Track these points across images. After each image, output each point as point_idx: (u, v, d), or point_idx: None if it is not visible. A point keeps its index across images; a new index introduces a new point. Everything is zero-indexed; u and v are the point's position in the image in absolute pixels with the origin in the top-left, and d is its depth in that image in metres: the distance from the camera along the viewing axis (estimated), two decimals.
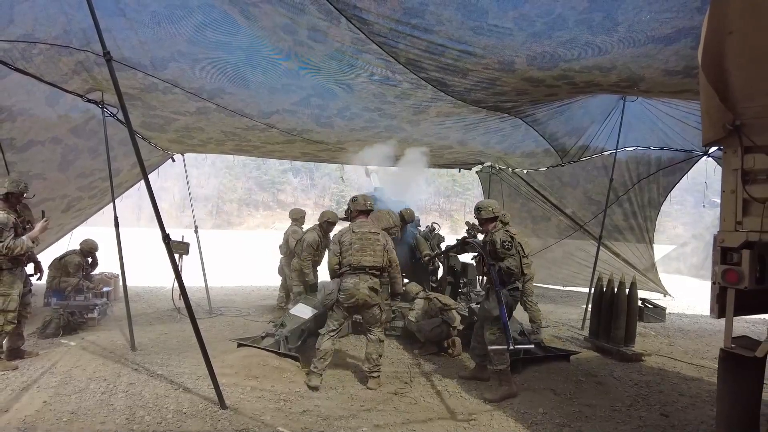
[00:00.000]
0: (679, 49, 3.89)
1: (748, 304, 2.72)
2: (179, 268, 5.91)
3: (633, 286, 6.22)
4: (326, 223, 6.99)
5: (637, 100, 6.97)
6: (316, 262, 6.94)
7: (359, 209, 4.94)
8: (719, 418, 2.81)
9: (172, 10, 4.30)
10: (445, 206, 57.33)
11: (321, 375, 4.62)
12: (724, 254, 2.73)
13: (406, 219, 7.26)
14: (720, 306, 2.76)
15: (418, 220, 7.87)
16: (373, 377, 4.69)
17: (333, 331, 4.70)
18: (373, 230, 4.83)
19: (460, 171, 11.34)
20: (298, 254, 7.01)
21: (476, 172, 11.09)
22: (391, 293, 5.06)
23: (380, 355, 4.75)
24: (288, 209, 9.61)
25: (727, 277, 2.69)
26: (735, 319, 2.70)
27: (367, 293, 4.63)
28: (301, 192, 59.44)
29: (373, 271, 4.71)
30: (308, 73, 5.18)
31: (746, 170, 2.63)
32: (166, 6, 4.25)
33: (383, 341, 4.83)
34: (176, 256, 7.01)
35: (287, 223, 8.32)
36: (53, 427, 3.51)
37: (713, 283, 2.79)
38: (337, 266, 4.75)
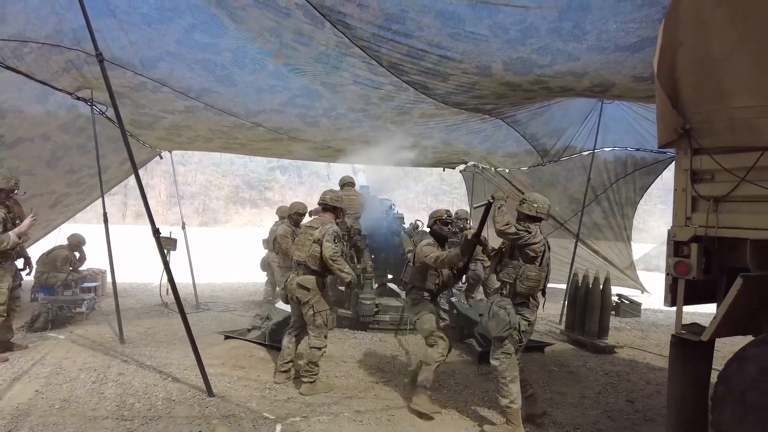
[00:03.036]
0: (645, 57, 4.11)
1: (696, 294, 2.96)
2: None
3: (606, 282, 6.51)
4: (296, 215, 7.29)
5: (614, 102, 7.24)
6: None
7: (318, 203, 4.88)
8: (670, 399, 3.05)
9: (161, 12, 4.43)
10: (433, 205, 57.49)
11: (287, 372, 4.60)
12: (676, 247, 2.97)
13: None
14: (672, 295, 3.00)
15: (402, 218, 8.06)
16: (304, 382, 4.37)
17: (291, 327, 4.72)
18: (313, 224, 4.63)
19: (444, 170, 11.58)
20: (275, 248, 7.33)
21: (460, 171, 11.32)
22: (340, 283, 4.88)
23: (313, 362, 4.36)
24: (275, 207, 9.79)
25: (678, 269, 2.93)
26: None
27: (296, 289, 4.43)
28: (288, 190, 59.21)
29: (302, 266, 4.48)
30: (294, 74, 5.34)
31: (695, 170, 2.87)
32: (156, 8, 4.38)
33: (318, 348, 4.38)
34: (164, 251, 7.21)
35: (274, 221, 8.49)
36: (46, 414, 3.64)
37: (666, 274, 3.03)
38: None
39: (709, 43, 2.68)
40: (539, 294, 3.82)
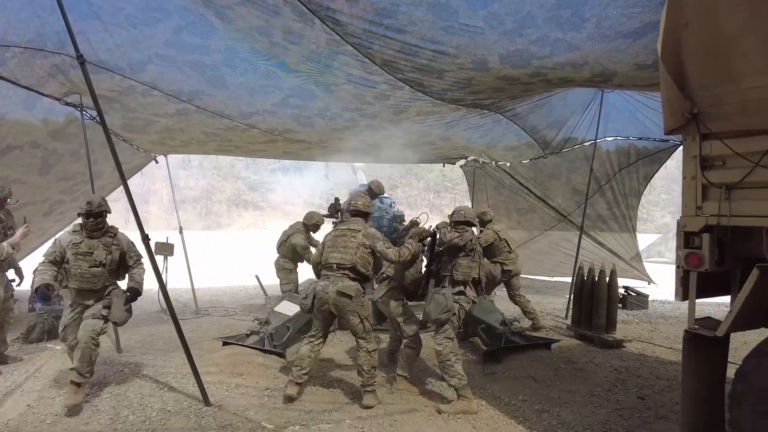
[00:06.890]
0: (648, 43, 3.96)
1: (709, 287, 2.82)
2: (163, 269, 5.94)
3: (613, 275, 6.36)
4: (314, 226, 7.14)
5: (615, 91, 7.08)
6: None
7: (347, 209, 4.67)
8: (685, 397, 2.91)
9: (147, 13, 4.30)
10: (435, 201, 57.41)
11: (298, 384, 4.18)
12: (686, 238, 2.83)
13: (375, 192, 7.01)
14: (684, 289, 2.86)
15: (402, 216, 7.91)
16: (368, 392, 4.14)
17: (313, 336, 4.30)
18: (353, 227, 4.36)
19: (444, 166, 11.45)
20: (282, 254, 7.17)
21: (461, 167, 11.19)
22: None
23: (373, 367, 4.15)
24: (278, 209, 9.71)
25: (689, 261, 2.78)
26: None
27: (335, 298, 4.08)
28: (290, 191, 59.21)
29: (344, 271, 4.17)
30: (286, 74, 5.20)
31: (704, 156, 2.73)
32: (142, 9, 4.25)
33: (374, 351, 4.20)
34: (161, 257, 7.10)
35: (277, 222, 8.41)
36: (36, 430, 3.53)
37: (677, 267, 2.89)
38: (318, 265, 4.44)
39: (716, 22, 2.54)
40: (478, 287, 4.56)
